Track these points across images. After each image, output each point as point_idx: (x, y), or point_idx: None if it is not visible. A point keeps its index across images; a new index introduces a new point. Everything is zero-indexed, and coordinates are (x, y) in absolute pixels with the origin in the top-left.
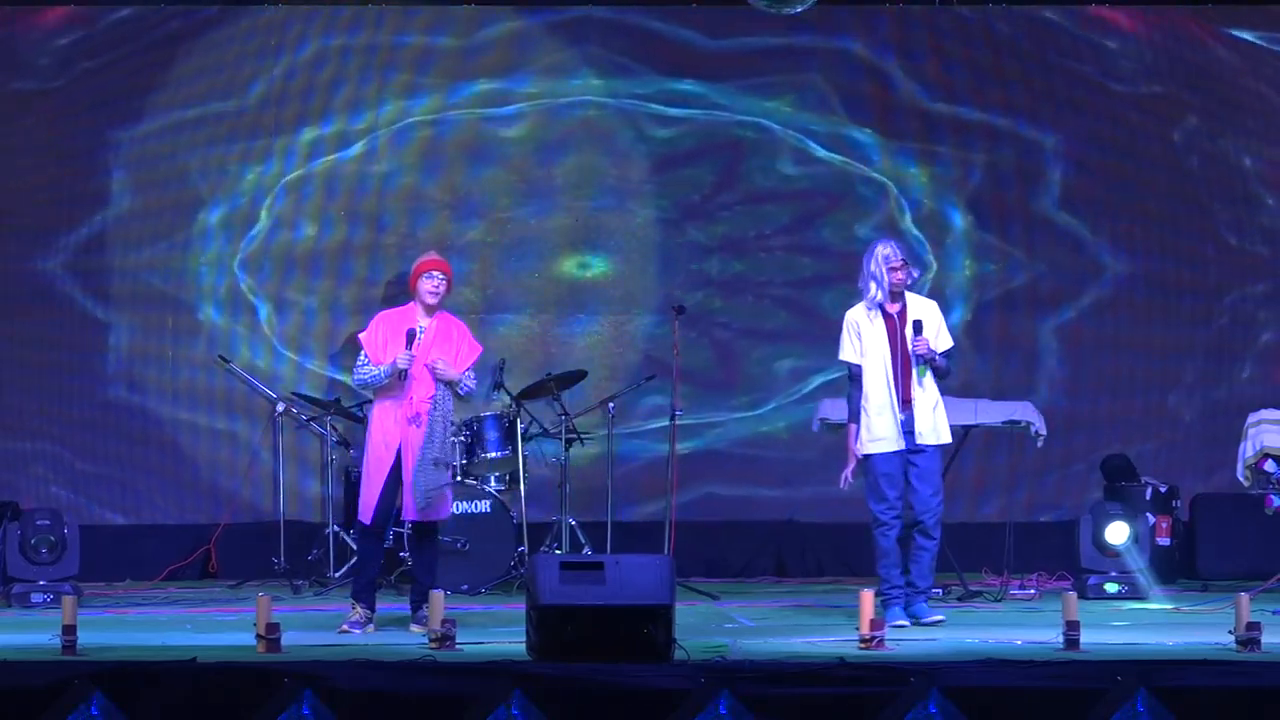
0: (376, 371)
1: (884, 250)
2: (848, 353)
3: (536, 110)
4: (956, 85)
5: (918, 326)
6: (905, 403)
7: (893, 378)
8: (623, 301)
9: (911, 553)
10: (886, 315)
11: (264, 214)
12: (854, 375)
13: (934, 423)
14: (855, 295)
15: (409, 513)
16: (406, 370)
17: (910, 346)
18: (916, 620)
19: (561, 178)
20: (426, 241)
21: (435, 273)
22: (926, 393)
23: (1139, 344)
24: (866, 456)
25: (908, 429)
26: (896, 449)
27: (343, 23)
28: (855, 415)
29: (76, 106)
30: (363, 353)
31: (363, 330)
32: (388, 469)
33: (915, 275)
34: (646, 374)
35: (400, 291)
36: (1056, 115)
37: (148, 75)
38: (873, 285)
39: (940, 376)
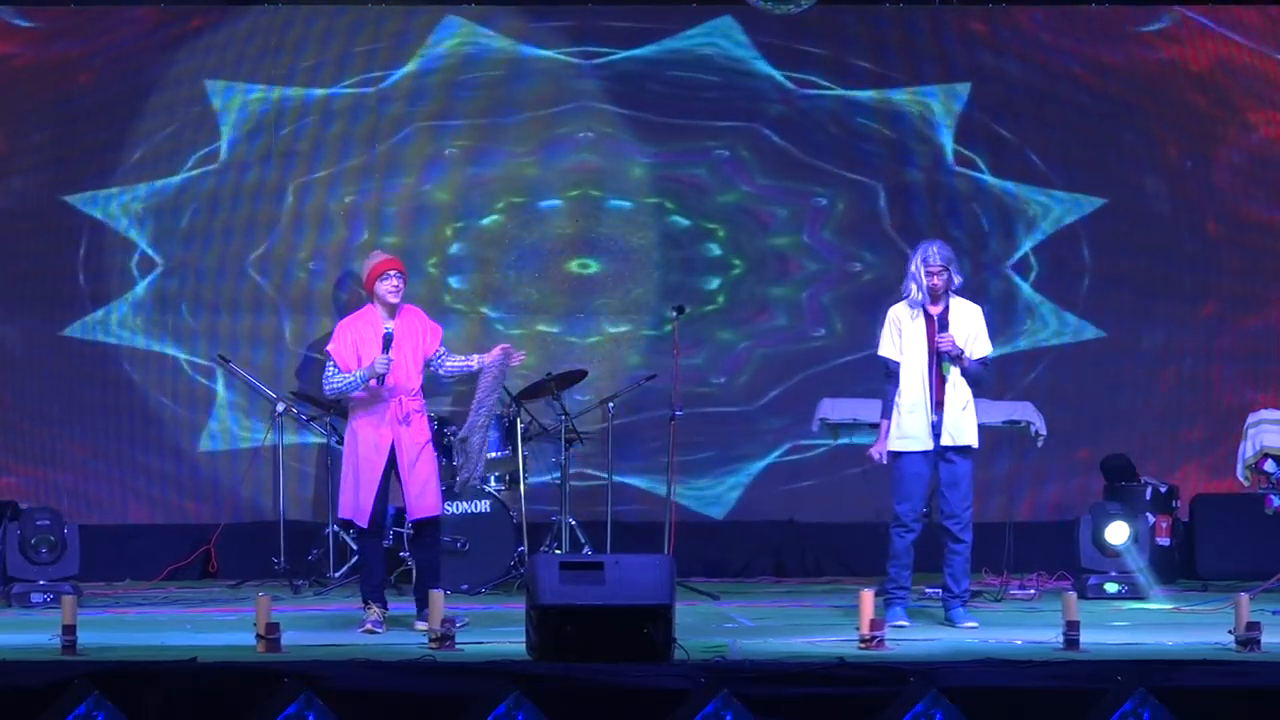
0: (350, 379)
1: (925, 253)
2: (886, 348)
3: (537, 109)
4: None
5: (941, 323)
6: (938, 404)
7: (928, 378)
8: (623, 301)
9: (944, 558)
10: (928, 316)
11: (269, 217)
12: (890, 371)
13: (961, 425)
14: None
15: (413, 512)
16: (384, 375)
17: (935, 342)
18: (952, 625)
19: (561, 177)
20: (427, 241)
21: (391, 273)
22: (958, 394)
23: (1139, 343)
24: (895, 454)
25: (938, 431)
26: (924, 449)
27: (343, 24)
28: (887, 411)
29: (79, 110)
30: (331, 363)
31: (329, 342)
32: (381, 471)
33: (958, 280)
34: (647, 374)
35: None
36: (1062, 114)
37: (151, 74)
38: (913, 286)
39: (976, 383)
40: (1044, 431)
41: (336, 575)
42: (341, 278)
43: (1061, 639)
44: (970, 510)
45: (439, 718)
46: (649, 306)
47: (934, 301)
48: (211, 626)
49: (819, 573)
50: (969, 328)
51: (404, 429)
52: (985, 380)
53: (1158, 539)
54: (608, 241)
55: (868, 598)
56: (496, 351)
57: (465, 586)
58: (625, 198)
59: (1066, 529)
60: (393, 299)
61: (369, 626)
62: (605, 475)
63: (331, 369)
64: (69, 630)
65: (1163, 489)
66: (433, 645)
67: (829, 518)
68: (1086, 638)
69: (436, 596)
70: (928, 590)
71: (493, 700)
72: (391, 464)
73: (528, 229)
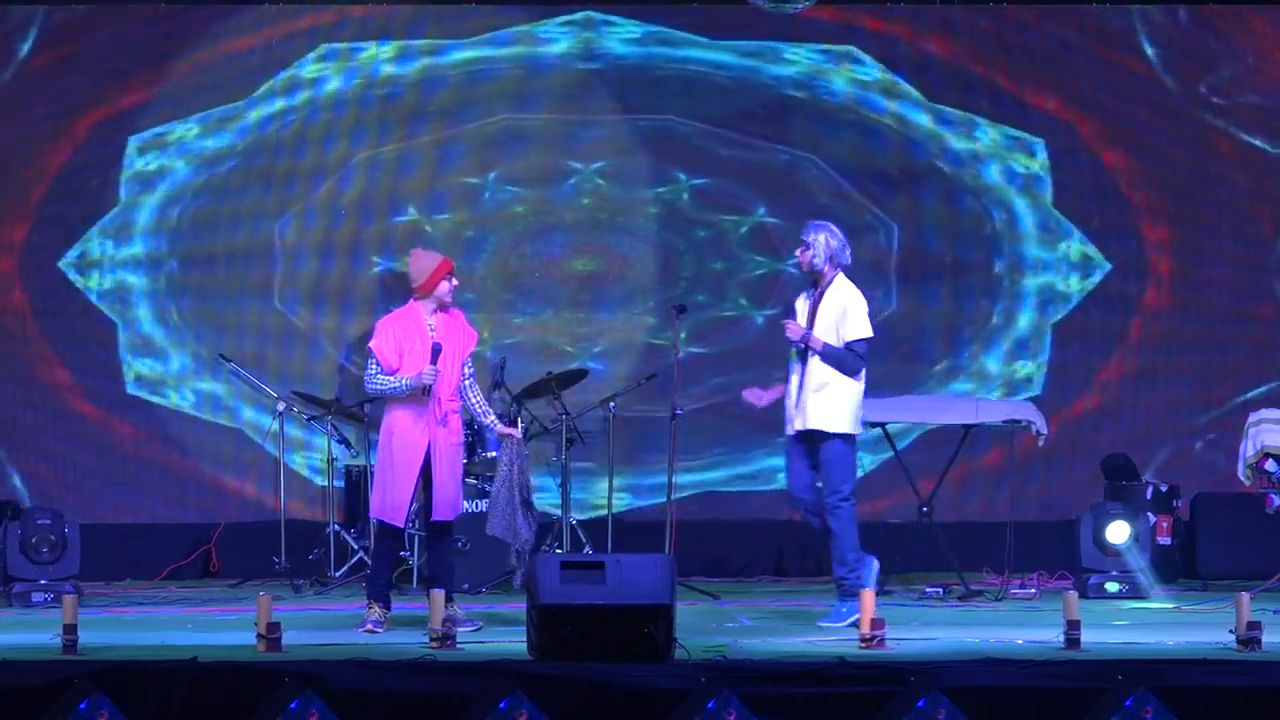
0: (397, 383)
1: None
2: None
3: (542, 110)
4: (973, 80)
5: (788, 311)
6: (800, 389)
7: (798, 363)
8: (623, 300)
9: None
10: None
11: (274, 213)
12: None
13: (811, 409)
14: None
15: (438, 513)
16: (431, 385)
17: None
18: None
19: (563, 176)
20: (427, 241)
21: (452, 273)
22: (812, 378)
23: (1141, 342)
24: None
25: (802, 414)
26: (792, 433)
27: (350, 25)
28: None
29: (87, 102)
30: (374, 361)
31: (370, 338)
32: (417, 471)
33: (818, 258)
34: (647, 373)
35: (400, 287)
36: (1074, 109)
37: (151, 74)
38: None
39: (839, 367)
40: (1045, 431)
41: (337, 575)
42: (325, 277)
43: (1062, 638)
44: (835, 496)
45: (440, 717)
46: (650, 305)
47: (814, 285)
48: (212, 626)
49: (819, 572)
50: (835, 311)
51: (441, 430)
52: (850, 364)
53: (1158, 538)
54: (609, 239)
55: (869, 597)
56: (510, 433)
57: (466, 586)
58: (627, 195)
59: (1067, 528)
60: (449, 299)
61: (369, 626)
62: (606, 474)
63: (374, 366)
64: (70, 630)
65: (1163, 488)
66: (434, 645)
67: None
68: (1087, 637)
69: (437, 596)
70: (928, 590)
71: (493, 700)
72: (424, 464)
73: (529, 227)
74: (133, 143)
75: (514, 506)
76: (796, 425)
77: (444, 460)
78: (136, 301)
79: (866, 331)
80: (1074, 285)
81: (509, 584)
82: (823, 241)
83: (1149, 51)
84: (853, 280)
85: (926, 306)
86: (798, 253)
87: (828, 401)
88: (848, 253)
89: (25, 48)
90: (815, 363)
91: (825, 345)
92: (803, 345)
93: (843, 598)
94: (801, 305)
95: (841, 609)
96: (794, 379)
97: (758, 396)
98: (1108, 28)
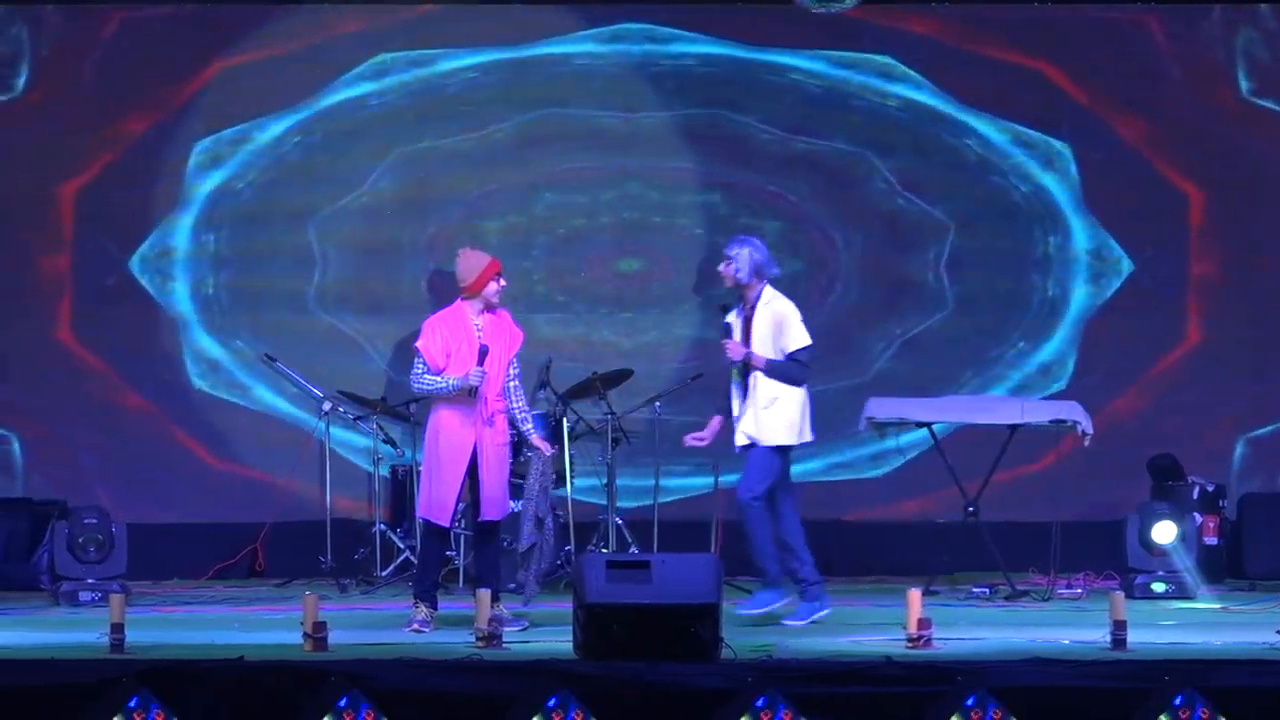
0: (443, 384)
1: None
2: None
3: (583, 110)
4: (994, 84)
5: (725, 330)
6: (747, 405)
7: (739, 379)
8: (669, 299)
9: None
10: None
11: (312, 214)
12: None
13: (760, 423)
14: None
15: (485, 513)
16: (477, 388)
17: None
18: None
19: (609, 176)
20: (472, 240)
21: (500, 274)
22: (760, 393)
23: (1188, 342)
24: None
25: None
26: (740, 445)
27: (394, 27)
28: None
29: (146, 107)
30: (420, 360)
31: (417, 338)
32: (463, 471)
33: (741, 271)
34: (694, 373)
35: (446, 287)
36: (1112, 116)
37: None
38: None
39: (785, 379)
40: (1090, 431)
41: (383, 574)
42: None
43: (1109, 638)
44: (748, 494)
45: (485, 717)
46: (695, 304)
47: (745, 300)
48: (259, 625)
49: (865, 571)
50: (769, 324)
51: (487, 430)
52: (794, 375)
53: (1205, 538)
54: (654, 238)
55: (915, 597)
56: (541, 447)
57: (512, 585)
58: (672, 194)
59: (1113, 529)
60: (497, 299)
61: (415, 626)
62: (651, 474)
63: (421, 366)
64: (117, 629)
65: (1210, 488)
66: (480, 644)
67: (875, 516)
68: (1134, 637)
69: (484, 596)
70: (974, 590)
71: (539, 699)
72: (471, 464)
73: (573, 226)
74: (195, 149)
75: (529, 519)
76: (740, 440)
77: (490, 460)
78: (183, 300)
79: (805, 340)
80: (1121, 281)
81: (556, 583)
82: (746, 255)
83: (1239, 74)
84: (890, 281)
85: (978, 308)
86: (720, 267)
87: (776, 416)
88: (774, 265)
89: (22, 81)
90: (760, 378)
91: (768, 361)
92: (744, 364)
93: (808, 599)
94: (734, 321)
95: (804, 605)
96: (736, 397)
97: (699, 439)
98: (1175, 33)
